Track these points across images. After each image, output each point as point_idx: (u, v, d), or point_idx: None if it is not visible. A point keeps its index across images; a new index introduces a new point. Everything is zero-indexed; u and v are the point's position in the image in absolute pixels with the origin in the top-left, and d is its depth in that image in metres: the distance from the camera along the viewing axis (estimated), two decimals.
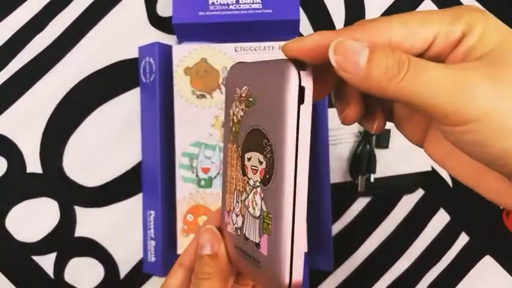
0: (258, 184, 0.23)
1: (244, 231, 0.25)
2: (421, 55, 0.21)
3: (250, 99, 0.23)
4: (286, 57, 0.22)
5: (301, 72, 0.21)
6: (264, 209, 0.23)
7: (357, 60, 0.19)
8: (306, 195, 0.21)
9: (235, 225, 0.25)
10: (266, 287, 0.24)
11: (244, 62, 0.25)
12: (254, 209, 0.24)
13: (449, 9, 0.21)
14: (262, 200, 0.23)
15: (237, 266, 0.27)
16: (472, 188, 0.23)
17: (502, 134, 0.18)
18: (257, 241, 0.24)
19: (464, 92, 0.18)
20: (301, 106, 0.21)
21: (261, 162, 0.23)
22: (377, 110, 0.25)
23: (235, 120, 0.24)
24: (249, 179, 0.24)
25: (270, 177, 0.23)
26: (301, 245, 0.22)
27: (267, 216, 0.23)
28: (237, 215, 0.25)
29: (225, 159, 0.26)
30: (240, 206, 0.25)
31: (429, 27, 0.20)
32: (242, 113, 0.24)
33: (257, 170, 0.23)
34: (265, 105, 0.22)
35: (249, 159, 0.24)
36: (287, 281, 0.22)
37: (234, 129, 0.24)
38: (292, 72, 0.21)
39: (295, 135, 0.21)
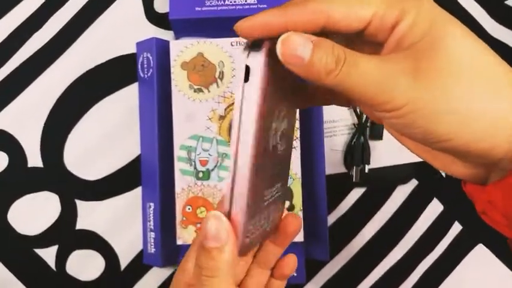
0: None
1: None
2: (359, 35, 0.23)
3: None
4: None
5: (251, 52, 0.22)
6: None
7: (301, 55, 0.21)
8: (248, 161, 0.23)
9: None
10: None
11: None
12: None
13: None
14: None
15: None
16: (427, 161, 0.26)
17: (424, 116, 0.21)
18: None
19: (390, 84, 0.21)
20: (245, 84, 0.22)
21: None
22: None
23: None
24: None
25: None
26: (241, 187, 0.23)
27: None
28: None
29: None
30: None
31: (367, 8, 0.22)
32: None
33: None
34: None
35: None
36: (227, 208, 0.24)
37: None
38: (242, 52, 0.22)
39: (239, 112, 0.22)
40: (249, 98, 0.22)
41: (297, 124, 0.43)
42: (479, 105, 0.21)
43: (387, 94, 0.21)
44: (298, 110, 0.31)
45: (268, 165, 0.25)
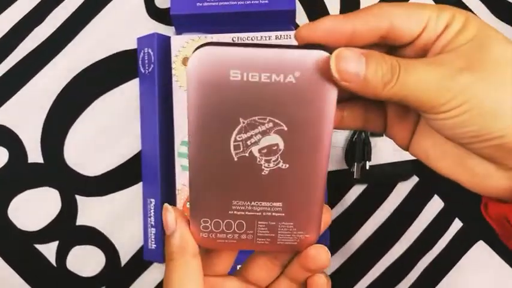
0: None
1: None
2: (412, 42, 0.23)
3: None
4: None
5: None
6: None
7: (356, 71, 0.21)
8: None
9: None
10: None
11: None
12: None
13: (437, 4, 0.24)
14: None
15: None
16: (454, 179, 0.25)
17: (482, 113, 0.21)
18: None
19: (448, 84, 0.21)
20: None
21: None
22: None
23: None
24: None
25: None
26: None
27: None
28: None
29: None
30: None
31: (424, 10, 0.23)
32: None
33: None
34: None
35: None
36: None
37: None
38: None
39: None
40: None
41: None
42: None
43: (446, 95, 0.21)
44: None
45: (233, 176, 0.24)
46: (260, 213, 0.25)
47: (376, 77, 0.21)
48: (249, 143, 0.24)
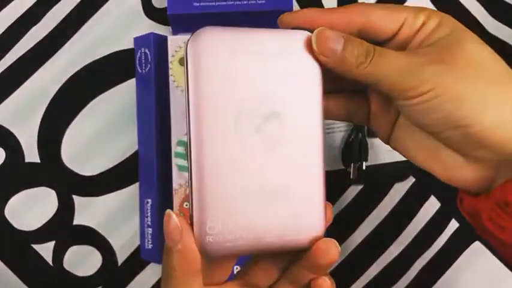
0: None
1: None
2: (390, 39, 0.26)
3: None
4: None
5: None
6: None
7: (334, 48, 0.24)
8: None
9: None
10: None
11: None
12: None
13: (415, 6, 0.26)
14: None
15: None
16: (430, 171, 0.27)
17: (448, 100, 0.23)
18: None
19: (418, 71, 0.23)
20: None
21: None
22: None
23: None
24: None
25: None
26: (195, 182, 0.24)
27: None
28: None
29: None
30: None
31: (401, 12, 0.25)
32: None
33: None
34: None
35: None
36: None
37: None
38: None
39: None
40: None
41: None
42: (497, 94, 0.23)
43: (416, 80, 0.23)
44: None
45: (238, 162, 0.24)
46: (266, 205, 0.24)
47: (352, 56, 0.24)
48: (251, 127, 0.24)
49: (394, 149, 0.29)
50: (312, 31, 0.25)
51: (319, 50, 0.24)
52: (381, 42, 0.26)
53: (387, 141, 0.29)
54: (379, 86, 0.24)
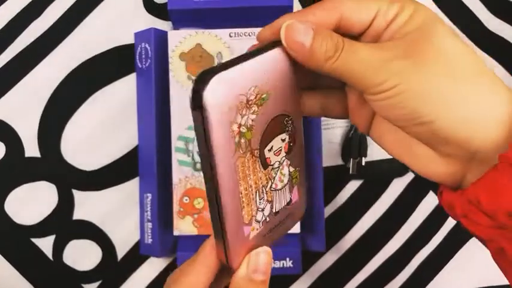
0: (283, 159, 0.27)
1: (274, 210, 0.27)
2: (364, 32, 0.25)
3: (264, 96, 0.24)
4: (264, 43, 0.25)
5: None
6: (291, 170, 0.28)
7: (303, 41, 0.23)
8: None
9: (263, 219, 0.27)
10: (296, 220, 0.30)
11: (217, 72, 0.22)
12: (283, 181, 0.27)
13: None
14: (288, 166, 0.27)
15: None
16: (404, 162, 0.27)
17: (412, 97, 0.23)
18: (288, 199, 0.28)
19: (384, 67, 0.23)
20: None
21: (283, 140, 0.26)
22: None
23: (245, 130, 0.24)
24: (272, 164, 0.26)
25: (293, 142, 0.27)
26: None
27: (295, 172, 0.28)
28: (262, 209, 0.27)
29: (231, 183, 0.24)
30: (265, 197, 0.27)
31: (373, 4, 0.25)
32: (254, 116, 0.24)
33: (281, 149, 0.26)
34: (279, 91, 0.25)
35: (269, 150, 0.26)
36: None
37: (243, 141, 0.24)
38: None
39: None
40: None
41: None
42: (462, 91, 0.23)
43: (381, 76, 0.23)
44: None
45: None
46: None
47: (320, 50, 0.23)
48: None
49: (373, 139, 0.29)
50: None
51: (288, 45, 0.24)
52: (356, 36, 0.26)
53: (367, 133, 0.29)
54: (347, 81, 0.24)
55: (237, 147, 0.23)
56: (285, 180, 0.27)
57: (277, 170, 0.27)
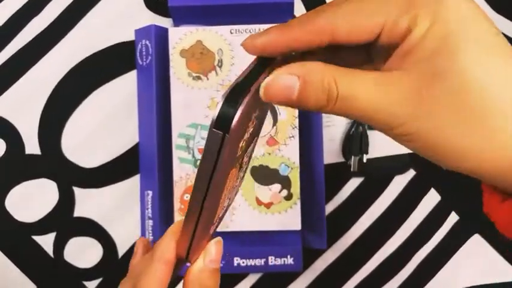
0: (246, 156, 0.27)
1: (228, 203, 0.29)
2: (373, 43, 0.21)
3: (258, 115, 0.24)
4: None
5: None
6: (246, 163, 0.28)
7: (289, 96, 0.20)
8: None
9: (221, 214, 0.29)
10: None
11: (245, 96, 0.20)
12: (240, 176, 0.28)
13: (398, 2, 0.20)
14: (248, 161, 0.28)
15: None
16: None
17: (422, 147, 0.20)
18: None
19: (395, 112, 0.19)
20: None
21: (256, 141, 0.27)
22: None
23: (244, 144, 0.24)
24: (244, 165, 0.27)
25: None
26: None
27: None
28: (225, 206, 0.28)
29: (219, 191, 0.23)
30: (232, 196, 0.28)
31: (374, 19, 0.20)
32: (252, 129, 0.24)
33: (248, 139, 0.25)
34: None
35: (246, 151, 0.26)
36: None
37: (240, 153, 0.24)
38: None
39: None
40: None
41: (296, 114, 0.43)
42: (480, 142, 0.19)
43: (396, 121, 0.20)
44: None
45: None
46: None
47: (309, 101, 0.20)
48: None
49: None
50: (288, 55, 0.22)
51: (272, 101, 0.20)
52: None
53: None
54: (358, 120, 0.21)
55: (236, 160, 0.23)
56: (241, 174, 0.28)
57: (245, 169, 0.28)
